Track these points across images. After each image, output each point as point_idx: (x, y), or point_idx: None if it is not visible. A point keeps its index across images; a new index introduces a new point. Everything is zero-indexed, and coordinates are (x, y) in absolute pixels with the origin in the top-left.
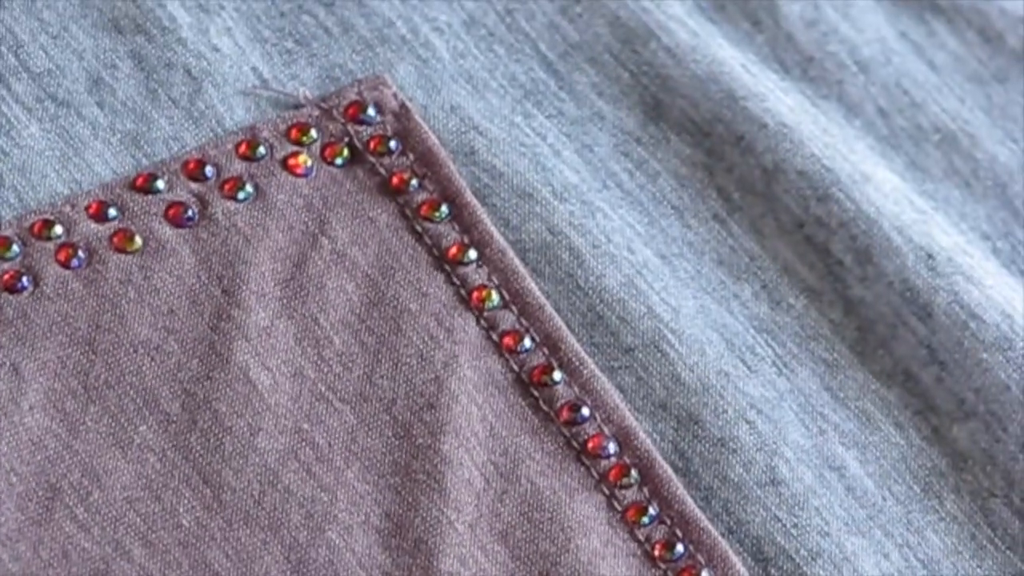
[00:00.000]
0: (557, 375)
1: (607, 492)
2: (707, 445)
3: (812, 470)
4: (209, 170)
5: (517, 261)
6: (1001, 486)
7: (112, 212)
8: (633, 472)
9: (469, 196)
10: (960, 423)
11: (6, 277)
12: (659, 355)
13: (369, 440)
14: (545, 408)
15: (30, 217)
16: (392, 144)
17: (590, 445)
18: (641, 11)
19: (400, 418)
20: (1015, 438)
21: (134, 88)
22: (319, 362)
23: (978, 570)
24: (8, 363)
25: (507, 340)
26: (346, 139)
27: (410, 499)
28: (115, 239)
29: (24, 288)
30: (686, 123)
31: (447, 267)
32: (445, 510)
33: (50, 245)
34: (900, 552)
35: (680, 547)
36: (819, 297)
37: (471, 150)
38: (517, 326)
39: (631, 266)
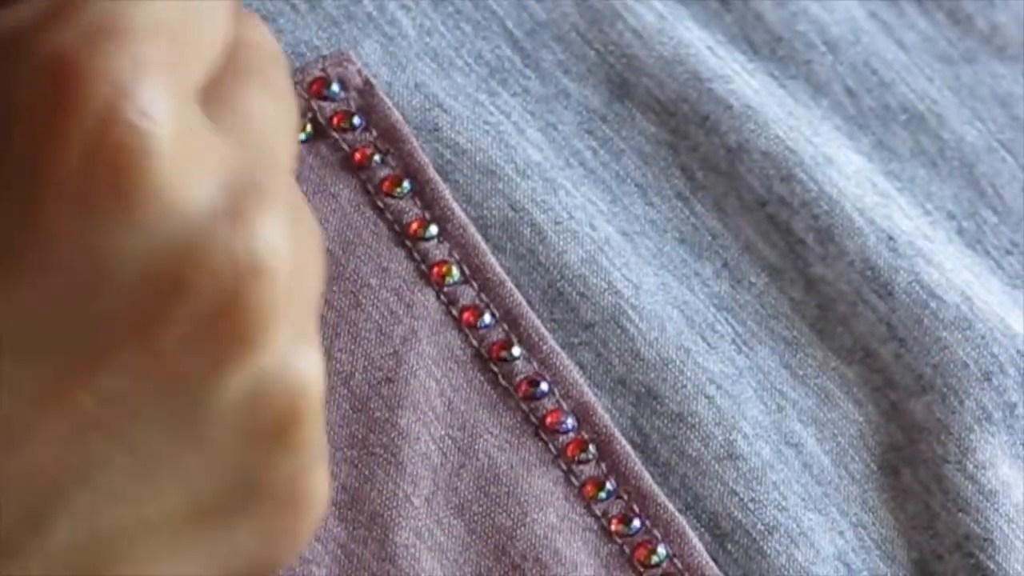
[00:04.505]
0: (516, 350)
1: (564, 467)
2: (665, 420)
3: (770, 446)
4: None
5: (478, 237)
6: (954, 453)
7: None
8: (591, 447)
9: (431, 172)
10: (917, 397)
11: None
12: (619, 331)
13: (327, 413)
14: (504, 383)
15: None
16: (355, 120)
17: (548, 420)
18: None
19: (358, 392)
20: (971, 412)
21: None
22: None
23: (932, 540)
24: None
25: (467, 315)
26: (309, 115)
27: (367, 472)
28: None
29: None
30: (651, 102)
31: (408, 242)
32: (402, 484)
33: None
34: (855, 531)
35: (636, 522)
36: (780, 275)
37: (435, 127)
38: (477, 301)
39: (593, 243)
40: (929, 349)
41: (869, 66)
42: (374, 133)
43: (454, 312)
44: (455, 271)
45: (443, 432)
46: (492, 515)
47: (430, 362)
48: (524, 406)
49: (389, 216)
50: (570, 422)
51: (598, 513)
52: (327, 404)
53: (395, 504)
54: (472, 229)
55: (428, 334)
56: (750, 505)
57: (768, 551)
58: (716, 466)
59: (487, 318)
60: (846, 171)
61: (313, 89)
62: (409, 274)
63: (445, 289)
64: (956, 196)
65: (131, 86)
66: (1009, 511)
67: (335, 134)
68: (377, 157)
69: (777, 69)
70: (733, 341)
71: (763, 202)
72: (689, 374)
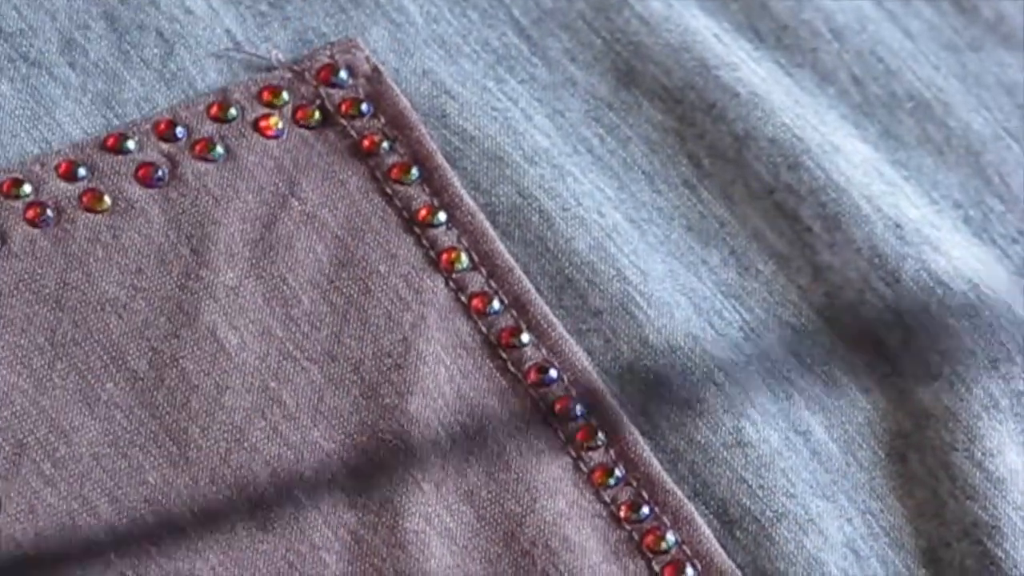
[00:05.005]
0: (525, 337)
1: (574, 454)
2: (674, 407)
3: (778, 433)
4: (180, 131)
5: (487, 224)
6: (962, 440)
7: (82, 172)
8: (600, 434)
9: (440, 159)
10: (924, 384)
11: None
12: (627, 318)
13: (336, 399)
14: (513, 370)
15: None
16: (363, 107)
17: (557, 407)
18: None
19: (367, 378)
20: (979, 399)
21: (106, 49)
22: (287, 321)
23: (940, 528)
24: None
25: (476, 302)
26: (318, 102)
27: (376, 459)
28: (84, 198)
29: None
30: (658, 90)
31: (417, 229)
32: (411, 470)
33: (19, 204)
34: (863, 519)
35: (645, 509)
36: (787, 263)
37: (442, 114)
38: (486, 288)
39: (601, 229)
40: (937, 336)
41: (875, 54)
42: (382, 120)
43: (463, 299)
44: (464, 258)
45: (452, 418)
46: (501, 501)
47: (439, 348)
48: (533, 392)
49: (398, 203)
50: (579, 409)
51: (607, 500)
52: (337, 390)
53: (405, 490)
54: (481, 216)
55: (437, 320)
56: (759, 492)
57: (777, 538)
58: (725, 453)
59: (496, 305)
60: (853, 159)
61: (321, 76)
62: (418, 261)
63: (454, 276)
64: (962, 184)
65: None
66: (1017, 499)
67: (343, 121)
68: (385, 144)
69: (783, 57)
70: (741, 328)
71: (770, 190)
72: (697, 361)
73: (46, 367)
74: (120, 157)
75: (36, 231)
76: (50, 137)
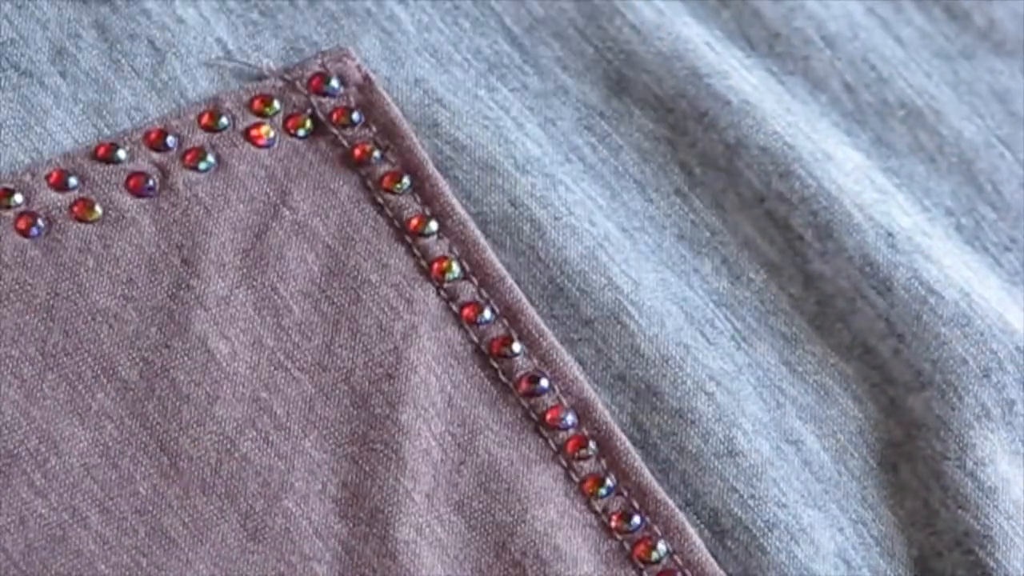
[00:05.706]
0: (516, 346)
1: (565, 463)
2: (665, 417)
3: (770, 442)
4: (171, 140)
5: (478, 233)
6: (954, 450)
7: (72, 181)
8: (591, 443)
9: (431, 168)
10: (916, 393)
11: None
12: (619, 327)
13: (327, 409)
14: (504, 379)
15: None
16: (355, 116)
17: (548, 416)
18: None
19: (358, 388)
20: (970, 408)
21: (97, 58)
22: (278, 331)
23: (931, 537)
24: None
25: (467, 311)
26: (309, 111)
27: (367, 469)
28: (75, 208)
29: None
30: (650, 98)
31: (408, 238)
32: (402, 480)
33: (10, 214)
34: (854, 528)
35: (637, 518)
36: (779, 272)
37: (434, 122)
38: (477, 297)
39: (592, 238)
40: (928, 345)
41: (867, 62)
42: (374, 129)
43: (454, 308)
44: (455, 267)
45: (443, 428)
46: (492, 511)
47: (430, 358)
48: (524, 402)
49: (389, 212)
50: (570, 418)
51: (598, 509)
52: (328, 400)
53: (396, 500)
54: (472, 225)
55: (428, 330)
56: (750, 502)
57: (768, 548)
58: (716, 463)
59: (487, 314)
60: (845, 167)
61: (313, 85)
62: (409, 270)
63: (445, 285)
64: (954, 192)
65: None
66: (1008, 508)
67: (335, 130)
68: (377, 153)
69: (775, 65)
70: (732, 337)
71: (762, 198)
72: (689, 370)
73: (36, 377)
74: (111, 167)
75: (27, 241)
76: (41, 147)
